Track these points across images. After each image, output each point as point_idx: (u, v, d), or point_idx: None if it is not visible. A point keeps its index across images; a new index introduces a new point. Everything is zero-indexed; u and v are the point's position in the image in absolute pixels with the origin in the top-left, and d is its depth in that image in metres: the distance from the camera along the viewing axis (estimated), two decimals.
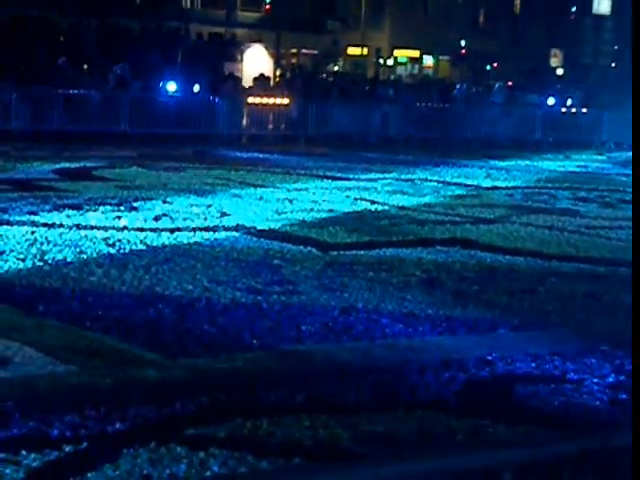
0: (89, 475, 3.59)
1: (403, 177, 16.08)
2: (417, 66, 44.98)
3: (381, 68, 42.58)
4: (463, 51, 44.74)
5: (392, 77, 38.37)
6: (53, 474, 3.61)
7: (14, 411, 4.12)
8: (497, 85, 30.82)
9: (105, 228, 9.21)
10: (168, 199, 11.56)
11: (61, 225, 9.28)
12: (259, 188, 13.36)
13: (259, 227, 9.69)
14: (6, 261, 7.44)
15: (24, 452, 3.74)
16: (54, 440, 3.89)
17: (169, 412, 4.30)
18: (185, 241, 8.71)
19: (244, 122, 24.35)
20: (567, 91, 31.31)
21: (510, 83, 33.44)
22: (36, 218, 9.65)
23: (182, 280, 7.08)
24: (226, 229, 9.48)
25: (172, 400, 4.42)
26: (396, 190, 13.86)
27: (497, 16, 47.24)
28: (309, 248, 8.64)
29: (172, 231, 9.22)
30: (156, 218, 10.04)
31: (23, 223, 9.27)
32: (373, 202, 12.29)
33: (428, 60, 45.59)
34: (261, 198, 12.17)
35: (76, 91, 22.03)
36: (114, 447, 3.85)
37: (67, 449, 3.82)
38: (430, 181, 15.54)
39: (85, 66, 24.43)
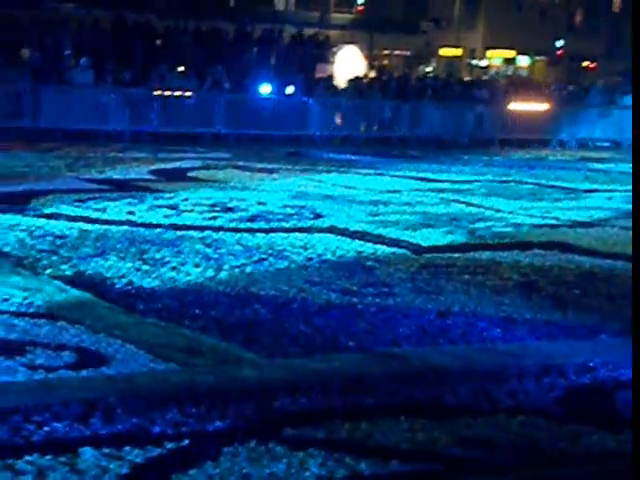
0: (191, 472, 3.62)
1: (498, 179, 15.92)
2: (511, 67, 44.50)
3: (474, 69, 42.24)
4: (560, 51, 44.11)
5: (486, 78, 38.02)
6: (156, 470, 3.66)
7: (117, 407, 4.18)
8: (595, 86, 30.32)
9: (201, 228, 9.32)
10: (262, 200, 11.63)
11: (159, 225, 9.41)
12: (352, 189, 13.36)
13: (352, 228, 9.69)
14: (107, 260, 7.57)
15: (127, 448, 3.80)
16: (156, 437, 3.94)
17: (268, 411, 4.32)
18: (279, 242, 8.76)
19: (336, 123, 24.40)
20: None
21: (609, 84, 32.85)
22: (134, 218, 9.81)
23: (277, 280, 7.12)
24: (320, 230, 9.50)
25: (270, 400, 4.44)
26: (491, 192, 13.73)
27: (595, 15, 46.45)
28: (403, 250, 8.62)
29: (267, 232, 9.28)
30: (251, 219, 10.12)
31: (122, 223, 9.43)
32: (468, 204, 12.20)
33: (523, 61, 45.06)
34: (354, 200, 12.17)
35: (172, 93, 22.32)
36: (214, 445, 3.88)
37: (169, 446, 3.87)
38: (526, 183, 15.35)
39: (181, 68, 24.74)
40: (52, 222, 9.23)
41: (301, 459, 3.80)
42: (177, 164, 16.22)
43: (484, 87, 28.89)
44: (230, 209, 10.76)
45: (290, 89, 24.10)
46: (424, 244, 8.99)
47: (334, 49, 34.94)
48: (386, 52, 40.58)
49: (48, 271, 7.09)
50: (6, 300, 6.11)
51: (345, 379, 4.79)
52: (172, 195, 11.72)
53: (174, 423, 4.09)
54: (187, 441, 3.93)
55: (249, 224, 9.76)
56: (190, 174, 14.74)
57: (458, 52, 42.49)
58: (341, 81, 28.09)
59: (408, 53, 40.63)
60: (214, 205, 10.99)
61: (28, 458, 3.66)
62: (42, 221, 9.23)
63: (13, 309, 5.91)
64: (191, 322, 5.81)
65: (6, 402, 4.23)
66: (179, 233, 8.98)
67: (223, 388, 4.53)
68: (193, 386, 4.55)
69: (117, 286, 6.74)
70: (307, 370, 4.97)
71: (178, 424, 4.09)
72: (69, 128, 20.73)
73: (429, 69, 40.32)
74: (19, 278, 6.78)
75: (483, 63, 43.61)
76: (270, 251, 8.30)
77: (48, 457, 3.69)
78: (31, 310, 5.90)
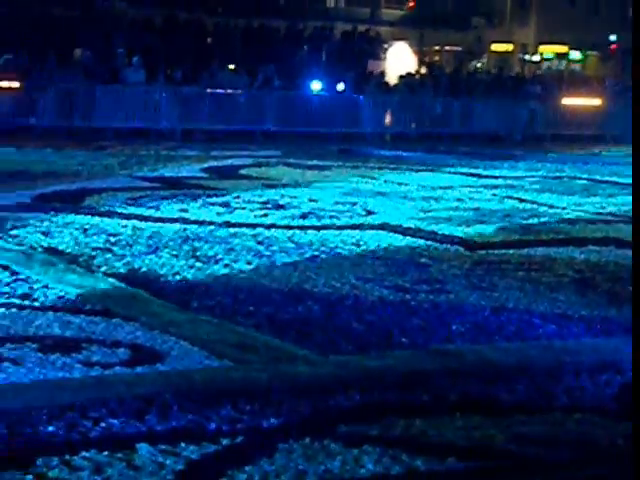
0: (246, 468, 3.62)
1: (551, 175, 15.79)
2: (564, 62, 44.10)
3: (526, 64, 41.91)
4: (613, 46, 43.62)
5: (538, 73, 37.70)
6: (211, 466, 3.67)
7: (172, 404, 4.20)
8: None
9: (253, 225, 9.34)
10: (314, 197, 11.63)
11: (211, 222, 9.45)
12: (404, 186, 13.32)
13: (405, 225, 9.66)
14: (160, 257, 7.62)
15: (183, 444, 3.81)
16: (211, 433, 3.95)
17: (322, 408, 4.31)
18: (331, 239, 8.75)
19: (387, 120, 24.35)
20: None
21: None
22: (187, 215, 9.86)
23: (329, 277, 7.11)
24: (372, 227, 9.48)
25: (325, 396, 4.44)
26: (544, 188, 13.62)
27: None
28: (456, 247, 8.57)
29: (318, 229, 9.28)
30: (303, 216, 10.13)
31: (175, 220, 9.48)
32: (521, 200, 12.11)
33: (575, 55, 44.63)
34: (406, 196, 12.13)
35: (223, 91, 22.42)
36: (270, 442, 3.88)
37: (224, 442, 3.87)
38: (579, 179, 15.21)
39: (232, 66, 24.84)
40: (106, 220, 9.30)
41: (356, 456, 3.79)
42: (229, 162, 16.28)
43: (536, 82, 28.67)
44: (282, 206, 10.78)
45: (341, 86, 24.08)
46: (477, 240, 8.94)
47: (385, 45, 34.87)
48: (437, 48, 40.38)
49: (102, 269, 7.14)
50: (61, 297, 6.17)
51: (399, 376, 4.77)
52: (224, 193, 11.76)
53: (229, 419, 4.10)
54: (242, 437, 3.93)
55: (301, 221, 9.77)
56: (242, 172, 14.79)
57: (509, 47, 42.17)
58: (392, 78, 28.03)
59: (459, 49, 40.41)
60: (266, 202, 11.02)
61: (85, 454, 3.69)
62: (96, 219, 9.30)
63: (69, 306, 5.97)
64: (244, 319, 5.82)
65: (63, 398, 4.27)
66: (231, 230, 9.00)
67: (277, 385, 4.53)
68: (247, 383, 4.56)
69: (171, 283, 6.78)
70: (361, 367, 4.95)
71: (233, 420, 4.09)
72: (121, 126, 20.91)
73: (480, 65, 40.08)
74: (74, 276, 6.84)
75: (535, 58, 43.24)
76: (322, 248, 8.29)
77: (105, 453, 3.71)
78: (86, 307, 5.95)
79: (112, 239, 8.34)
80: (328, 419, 4.17)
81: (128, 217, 9.54)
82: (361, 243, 8.59)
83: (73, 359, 4.87)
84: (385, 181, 13.91)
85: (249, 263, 7.54)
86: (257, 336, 5.45)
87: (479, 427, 4.15)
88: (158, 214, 9.86)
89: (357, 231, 9.20)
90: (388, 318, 6.03)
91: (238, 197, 11.37)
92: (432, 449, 3.89)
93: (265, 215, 10.07)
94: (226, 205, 10.68)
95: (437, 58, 39.51)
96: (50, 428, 3.92)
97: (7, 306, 5.90)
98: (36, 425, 3.94)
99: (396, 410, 4.30)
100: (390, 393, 4.54)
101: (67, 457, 3.65)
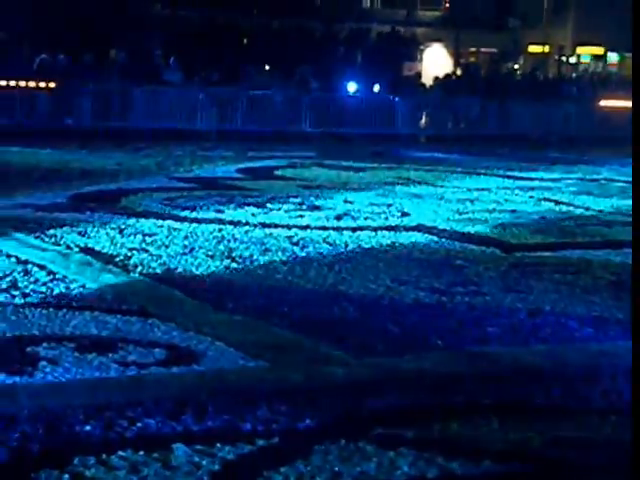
0: (282, 470, 3.63)
1: (588, 177, 15.69)
2: (600, 63, 43.80)
3: (563, 66, 41.67)
4: None
5: (575, 75, 37.48)
6: (247, 467, 3.68)
7: (208, 404, 4.22)
8: None
9: (288, 226, 9.34)
10: (349, 198, 11.63)
11: (246, 223, 9.47)
12: (439, 188, 13.29)
13: (440, 227, 9.62)
14: (196, 258, 7.64)
15: (218, 444, 3.82)
16: (247, 434, 3.96)
17: (357, 410, 4.31)
18: (367, 240, 8.74)
19: (422, 121, 24.31)
20: None
21: None
22: (222, 216, 9.89)
23: (365, 279, 7.11)
24: (407, 229, 9.46)
25: (360, 398, 4.43)
26: (581, 190, 13.53)
27: None
28: (492, 249, 8.53)
29: (354, 230, 9.27)
30: (338, 217, 10.12)
31: (210, 221, 9.51)
32: (557, 202, 12.03)
33: (612, 57, 44.31)
34: (442, 198, 12.09)
35: (259, 92, 22.47)
36: (305, 443, 3.88)
37: (259, 443, 3.88)
38: (617, 181, 15.09)
39: (268, 67, 24.89)
40: (142, 220, 9.35)
41: (391, 458, 3.78)
42: (264, 162, 16.31)
43: (573, 84, 28.50)
44: (317, 207, 10.78)
45: (376, 87, 24.06)
46: (513, 242, 8.89)
47: (421, 47, 34.80)
48: (473, 49, 40.24)
49: (138, 269, 7.18)
50: (98, 297, 6.21)
51: (435, 378, 4.76)
52: (259, 193, 11.79)
53: (264, 420, 4.11)
54: (277, 439, 3.94)
55: (336, 222, 9.76)
56: (277, 172, 14.81)
57: (546, 49, 41.94)
58: (428, 79, 27.97)
59: (495, 50, 40.23)
60: (301, 203, 11.02)
61: (121, 453, 3.71)
62: (132, 219, 9.35)
63: (105, 306, 6.00)
64: (280, 320, 5.83)
65: (99, 398, 4.29)
66: (267, 231, 9.02)
67: (312, 386, 4.53)
68: (282, 383, 4.57)
69: (206, 283, 6.80)
70: (397, 369, 4.94)
71: (268, 421, 4.10)
72: (158, 127, 21.00)
73: (516, 66, 39.89)
74: (110, 276, 6.88)
75: (572, 60, 42.98)
76: (357, 249, 8.28)
77: (141, 453, 3.73)
78: (123, 307, 5.98)
79: (148, 239, 8.38)
80: (363, 421, 4.17)
81: (164, 217, 9.58)
82: (396, 245, 8.58)
83: (109, 359, 4.90)
84: (420, 183, 13.88)
85: (284, 264, 7.55)
86: (292, 337, 5.46)
87: (515, 430, 4.13)
88: (194, 215, 9.89)
89: (392, 232, 9.18)
90: (423, 320, 6.01)
91: (273, 198, 11.38)
92: (468, 452, 3.87)
93: (300, 216, 10.08)
94: (261, 206, 10.70)
95: (473, 59, 39.37)
96: (87, 427, 3.95)
97: (44, 306, 5.95)
98: (73, 424, 3.97)
99: (432, 412, 4.30)
100: (425, 395, 4.53)
101: (104, 456, 3.68)
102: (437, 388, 4.62)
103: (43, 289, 6.37)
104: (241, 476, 3.63)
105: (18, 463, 3.62)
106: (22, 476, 3.52)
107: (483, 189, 13.25)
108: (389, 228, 9.46)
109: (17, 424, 3.94)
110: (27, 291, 6.29)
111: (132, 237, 8.45)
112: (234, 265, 7.43)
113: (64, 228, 8.71)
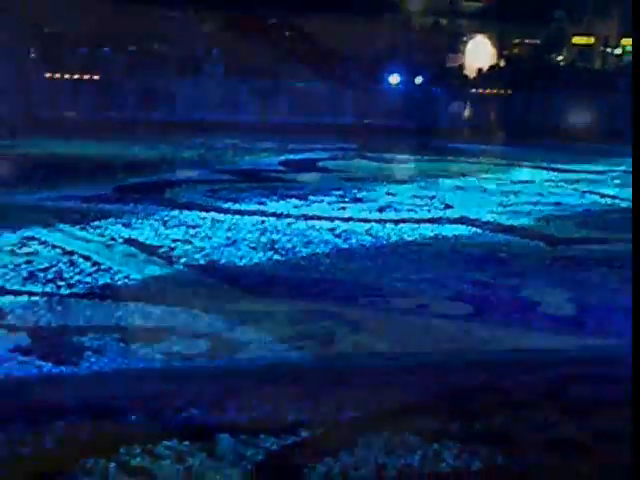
0: (326, 460, 3.63)
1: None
2: None
3: (608, 57, 41.26)
4: None
5: (620, 66, 37.09)
6: (291, 458, 3.68)
7: (252, 395, 4.23)
8: None
9: (331, 218, 9.34)
10: (391, 190, 11.60)
11: (289, 215, 9.48)
12: (482, 180, 13.22)
13: (484, 219, 9.58)
14: (239, 249, 7.67)
15: (262, 435, 3.83)
16: (290, 425, 3.97)
17: (402, 402, 4.30)
18: (409, 232, 8.71)
19: (466, 113, 24.18)
20: None
21: None
22: (265, 208, 9.90)
23: (407, 271, 7.08)
24: (450, 221, 9.42)
25: (404, 390, 4.42)
26: (626, 183, 13.37)
27: None
28: (536, 242, 8.48)
29: (396, 222, 9.25)
30: (380, 209, 10.10)
31: (253, 213, 9.53)
32: (602, 195, 11.93)
33: None
34: (485, 190, 12.03)
35: (301, 84, 22.48)
36: (348, 434, 3.88)
37: (303, 434, 3.88)
38: None
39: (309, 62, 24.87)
40: (185, 212, 9.39)
41: (436, 450, 3.77)
42: (306, 154, 16.30)
43: (618, 76, 28.20)
44: (359, 199, 10.77)
45: (419, 79, 23.98)
46: (558, 235, 8.83)
47: (464, 38, 34.62)
48: (516, 41, 39.96)
49: (182, 260, 7.21)
50: (142, 288, 6.25)
51: (478, 370, 4.74)
52: (302, 185, 11.79)
53: (308, 411, 4.11)
54: (321, 430, 3.94)
55: (378, 214, 9.75)
56: (319, 164, 14.81)
57: (591, 40, 41.54)
58: (471, 70, 27.81)
59: (539, 42, 39.92)
60: (343, 196, 11.01)
61: (167, 443, 3.73)
62: (176, 211, 9.40)
63: (149, 297, 6.03)
64: (323, 311, 5.83)
65: (144, 388, 4.32)
66: (309, 223, 9.03)
67: (356, 377, 4.53)
68: (326, 374, 4.57)
69: (249, 275, 6.82)
70: (439, 362, 4.93)
71: (312, 412, 4.10)
72: (201, 119, 21.09)
73: (561, 58, 39.57)
74: (154, 267, 6.92)
75: (617, 51, 42.55)
76: (400, 242, 8.26)
77: (186, 443, 3.75)
78: (167, 298, 6.01)
79: (191, 231, 8.41)
80: (407, 413, 4.16)
81: (207, 209, 9.62)
82: (439, 237, 8.55)
83: (154, 349, 4.93)
84: (463, 174, 13.81)
85: (327, 256, 7.55)
86: (335, 329, 5.46)
87: (560, 423, 4.10)
88: (237, 206, 9.92)
89: (435, 225, 9.15)
90: (467, 314, 5.98)
91: (316, 190, 11.38)
92: (512, 445, 3.85)
93: (343, 208, 10.07)
94: (304, 198, 10.70)
95: (516, 51, 39.09)
96: (132, 417, 3.97)
97: (89, 297, 6.00)
98: (118, 414, 4.00)
99: (476, 405, 4.27)
100: (469, 388, 4.51)
101: (149, 446, 3.70)
102: (481, 381, 4.59)
103: (88, 280, 6.42)
104: (285, 466, 3.64)
105: (65, 452, 3.65)
106: (69, 465, 3.55)
107: (527, 181, 13.17)
108: (432, 220, 9.43)
109: (63, 413, 3.97)
110: (72, 282, 6.35)
111: (176, 228, 8.49)
112: (277, 257, 7.44)
113: (109, 219, 8.77)
